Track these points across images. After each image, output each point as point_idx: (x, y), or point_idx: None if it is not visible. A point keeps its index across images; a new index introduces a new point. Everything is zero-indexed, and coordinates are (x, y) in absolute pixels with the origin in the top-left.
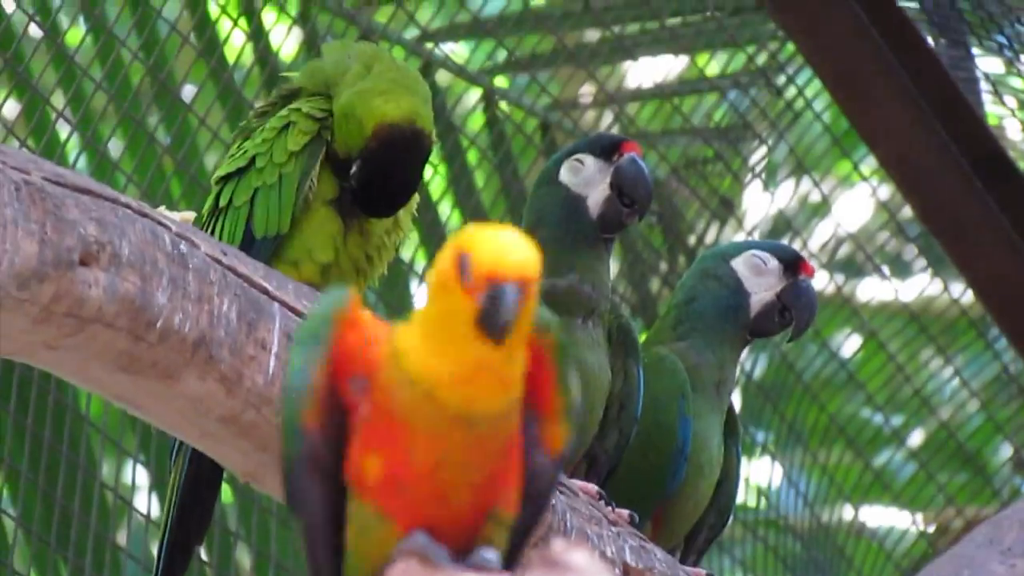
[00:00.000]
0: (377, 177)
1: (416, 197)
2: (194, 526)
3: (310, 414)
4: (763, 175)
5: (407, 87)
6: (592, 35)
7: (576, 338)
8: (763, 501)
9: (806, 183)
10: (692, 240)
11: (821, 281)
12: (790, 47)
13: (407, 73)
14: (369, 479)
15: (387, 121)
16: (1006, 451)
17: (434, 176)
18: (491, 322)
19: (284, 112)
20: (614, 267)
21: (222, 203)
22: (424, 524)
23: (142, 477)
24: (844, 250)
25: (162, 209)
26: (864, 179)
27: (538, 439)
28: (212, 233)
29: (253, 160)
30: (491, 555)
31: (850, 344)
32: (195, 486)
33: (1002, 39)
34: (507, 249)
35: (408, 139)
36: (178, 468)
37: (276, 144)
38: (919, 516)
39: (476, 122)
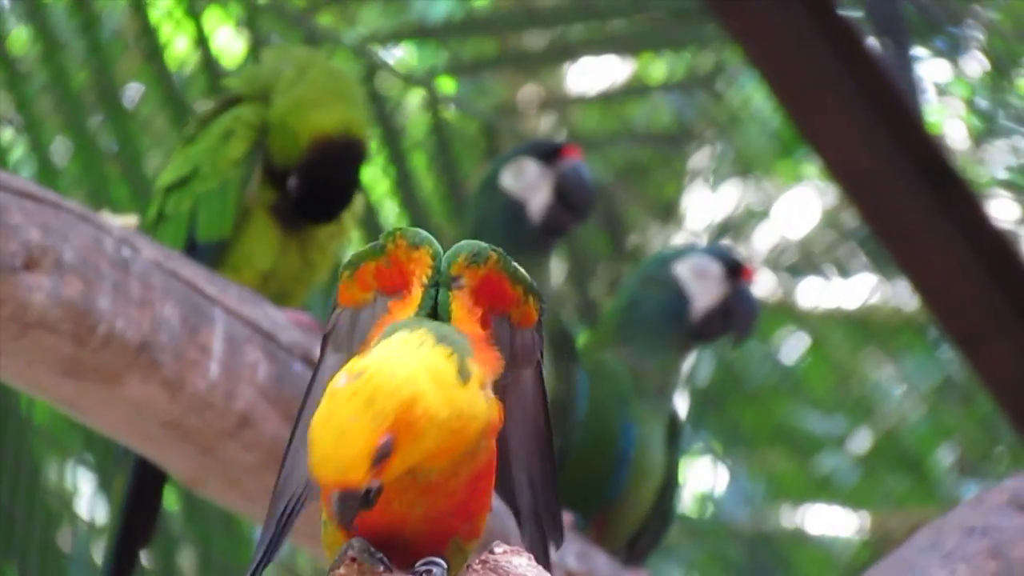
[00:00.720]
0: (315, 187)
1: (360, 199)
2: (140, 531)
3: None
4: (706, 179)
5: (339, 93)
6: (535, 39)
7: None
8: (706, 506)
9: (749, 186)
10: (635, 244)
11: (765, 285)
12: (734, 50)
13: (339, 78)
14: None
15: (322, 133)
16: (950, 455)
17: (378, 179)
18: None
19: (225, 120)
20: (556, 271)
21: (168, 212)
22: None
23: (87, 482)
24: (788, 253)
25: (104, 213)
26: (808, 183)
27: (513, 323)
28: (156, 238)
29: (197, 168)
30: (437, 570)
31: (794, 348)
32: (141, 491)
33: (945, 45)
34: (325, 452)
35: (343, 150)
36: (124, 474)
37: (218, 152)
38: (863, 521)
39: (420, 125)
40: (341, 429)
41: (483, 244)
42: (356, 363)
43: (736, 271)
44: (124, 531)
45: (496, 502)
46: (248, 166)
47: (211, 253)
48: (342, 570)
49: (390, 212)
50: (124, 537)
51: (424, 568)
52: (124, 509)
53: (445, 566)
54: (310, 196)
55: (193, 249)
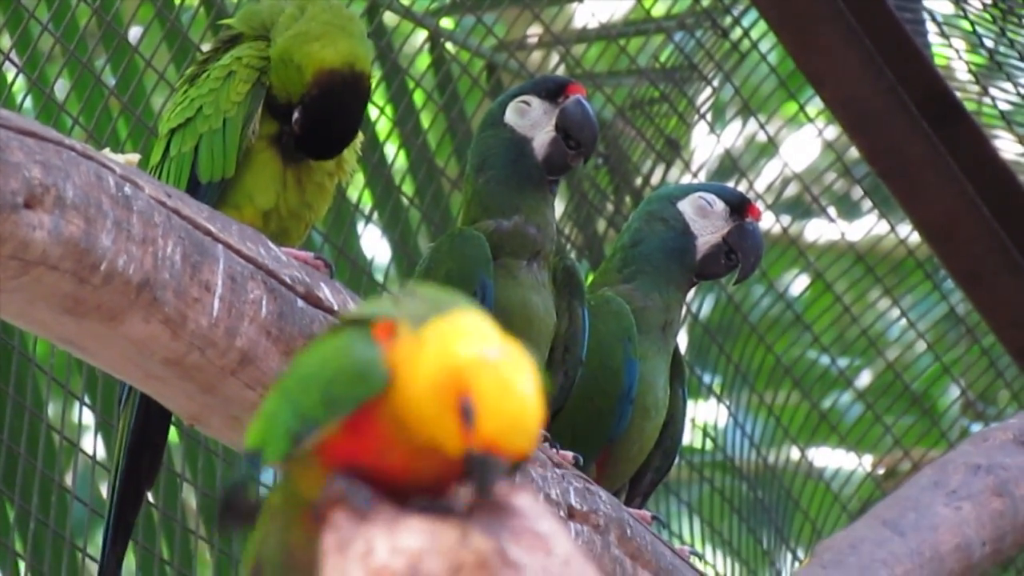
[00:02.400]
0: (319, 122)
1: (361, 136)
2: (145, 470)
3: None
4: (709, 116)
5: (342, 28)
6: None
7: (521, 280)
8: (709, 443)
9: (752, 124)
10: (638, 182)
11: (767, 222)
12: None
13: (341, 13)
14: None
15: (326, 67)
16: (954, 393)
17: (380, 117)
18: (476, 484)
19: (226, 60)
20: (560, 208)
21: (170, 153)
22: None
23: (89, 419)
24: (791, 191)
25: (107, 151)
26: (810, 120)
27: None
28: (159, 180)
29: (200, 109)
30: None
31: (797, 285)
32: (144, 430)
33: None
34: (515, 424)
35: (348, 83)
36: (127, 413)
37: (220, 93)
38: (867, 458)
39: (422, 63)
40: (524, 395)
41: None
42: (477, 336)
43: (741, 208)
44: (128, 470)
45: None
46: (250, 106)
47: (213, 192)
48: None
49: (391, 150)
50: (128, 476)
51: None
52: (128, 448)
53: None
54: (314, 130)
55: (196, 189)
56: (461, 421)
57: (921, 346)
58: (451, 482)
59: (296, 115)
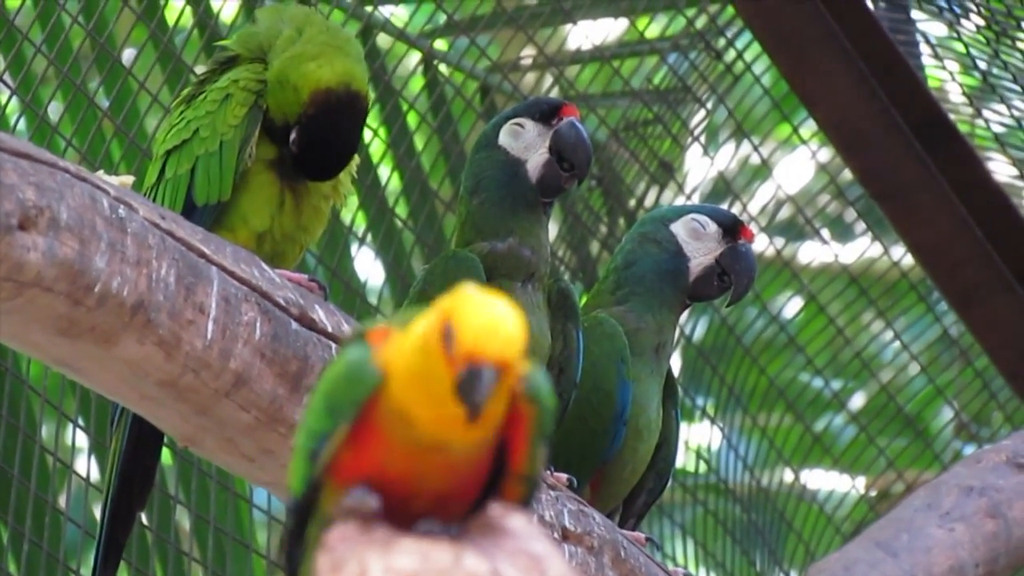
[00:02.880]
0: (317, 142)
1: (356, 159)
2: (136, 491)
3: (323, 472)
4: (703, 138)
5: (339, 48)
6: None
7: (516, 301)
8: (703, 465)
9: (746, 146)
10: (632, 203)
11: (761, 244)
12: (730, 10)
13: (338, 34)
14: (346, 470)
15: (323, 86)
16: (947, 415)
17: (374, 139)
18: (466, 399)
19: (223, 83)
20: (553, 230)
21: (166, 175)
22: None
23: (82, 440)
24: (784, 213)
25: (100, 173)
26: (804, 142)
27: (500, 487)
28: (154, 202)
29: (196, 131)
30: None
31: (790, 307)
32: (136, 452)
33: (943, 2)
34: (491, 329)
35: (345, 103)
36: (119, 434)
37: (216, 115)
38: (860, 480)
39: (416, 85)
40: (500, 313)
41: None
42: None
43: (733, 230)
44: (120, 492)
45: None
46: (247, 129)
47: (209, 215)
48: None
49: (385, 172)
50: (120, 498)
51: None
52: (120, 470)
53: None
54: (311, 150)
55: (191, 211)
56: (444, 348)
57: (914, 368)
58: (458, 493)
59: (293, 135)
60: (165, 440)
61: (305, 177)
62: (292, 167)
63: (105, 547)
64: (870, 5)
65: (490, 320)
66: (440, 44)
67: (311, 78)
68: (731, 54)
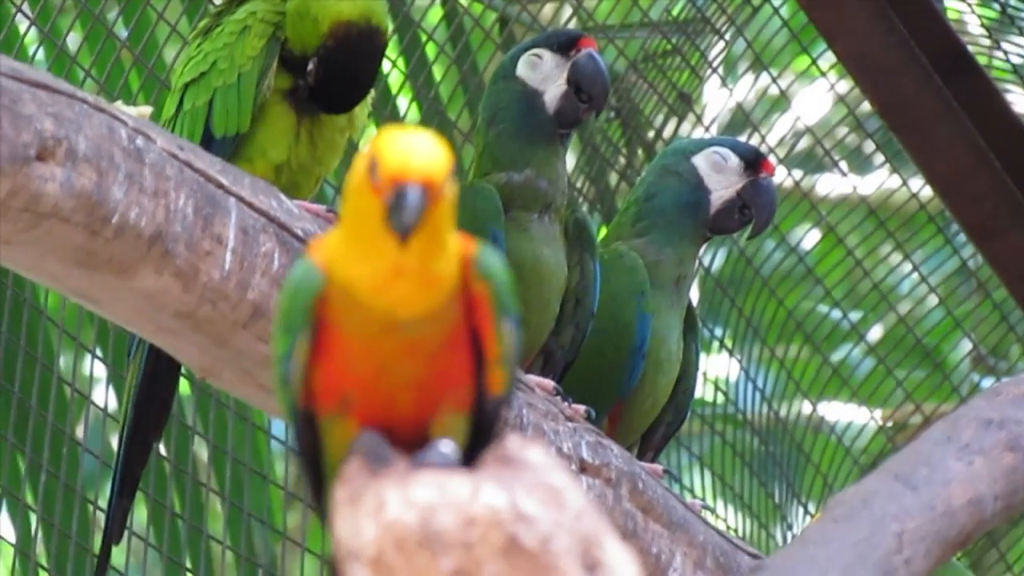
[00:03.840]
0: (335, 75)
1: (372, 92)
2: (152, 422)
3: (303, 393)
4: (721, 70)
5: None
6: None
7: (532, 232)
8: (721, 396)
9: (764, 78)
10: (650, 135)
11: (779, 176)
12: None
13: None
14: (324, 390)
15: (343, 19)
16: (965, 347)
17: (392, 70)
18: (396, 221)
19: (240, 15)
20: (571, 162)
21: (184, 107)
22: (377, 424)
23: (100, 371)
24: (803, 145)
25: (119, 104)
26: (823, 74)
27: (484, 380)
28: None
29: (214, 63)
30: (446, 448)
31: (808, 239)
32: (153, 382)
33: None
34: (413, 151)
35: (364, 37)
36: (136, 365)
37: (234, 47)
38: (877, 412)
39: (434, 16)
40: (416, 137)
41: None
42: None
43: (755, 164)
44: (136, 423)
45: None
46: (264, 61)
47: (227, 147)
48: (353, 466)
49: (403, 103)
50: (136, 429)
51: (435, 455)
52: (136, 400)
53: (454, 447)
54: (329, 83)
55: (209, 143)
56: (371, 182)
57: (932, 300)
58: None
59: (311, 67)
60: (183, 371)
61: (321, 110)
62: (308, 99)
63: (121, 477)
64: None
65: (410, 144)
66: None
67: (332, 10)
68: None
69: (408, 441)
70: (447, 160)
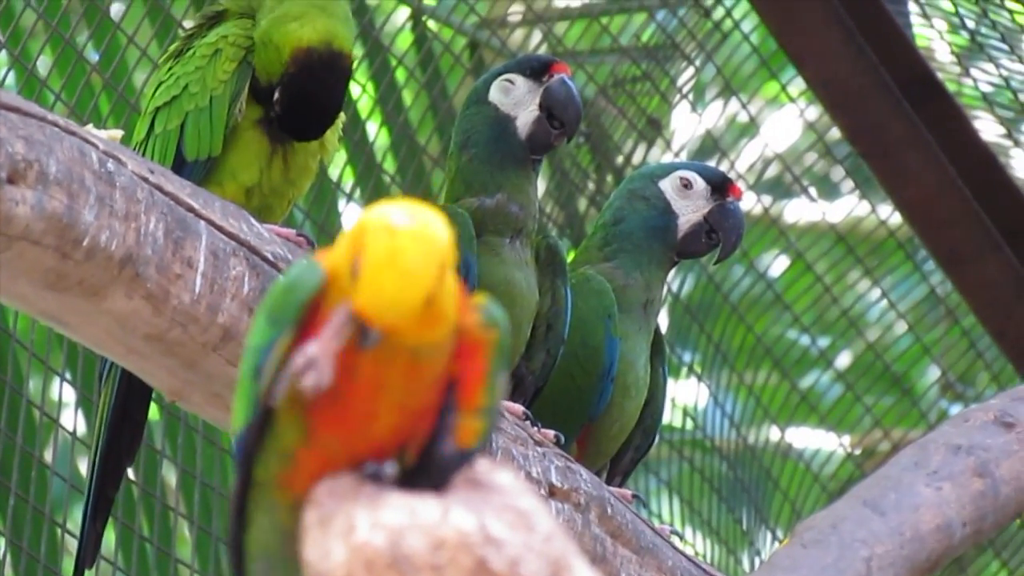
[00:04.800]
0: (299, 102)
1: (342, 116)
2: (125, 446)
3: (267, 391)
4: (691, 96)
5: (322, 8)
6: None
7: (504, 257)
8: (689, 422)
9: (734, 104)
10: (620, 160)
11: (748, 202)
12: None
13: None
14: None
15: (303, 46)
16: (933, 373)
17: (362, 95)
18: (362, 340)
19: (212, 38)
20: (541, 186)
21: (156, 130)
22: (335, 433)
23: (69, 394)
24: (772, 171)
25: (90, 127)
26: (792, 100)
27: (452, 428)
28: (143, 156)
29: (186, 87)
30: (390, 468)
31: (777, 265)
32: (125, 406)
33: None
34: (388, 294)
35: (326, 62)
36: (108, 387)
37: (206, 71)
38: (846, 438)
39: (404, 41)
40: (407, 270)
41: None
42: (398, 204)
43: (722, 188)
44: (109, 446)
45: None
46: (236, 84)
47: (199, 170)
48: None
49: (373, 128)
50: (109, 452)
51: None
52: (110, 423)
53: (395, 467)
54: (295, 110)
55: (181, 167)
56: (352, 280)
57: (901, 327)
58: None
59: (276, 95)
60: (153, 394)
61: (290, 137)
62: (278, 127)
63: (94, 502)
64: None
65: (389, 284)
66: (429, 0)
67: (292, 37)
68: (719, 11)
69: (356, 459)
70: (425, 296)
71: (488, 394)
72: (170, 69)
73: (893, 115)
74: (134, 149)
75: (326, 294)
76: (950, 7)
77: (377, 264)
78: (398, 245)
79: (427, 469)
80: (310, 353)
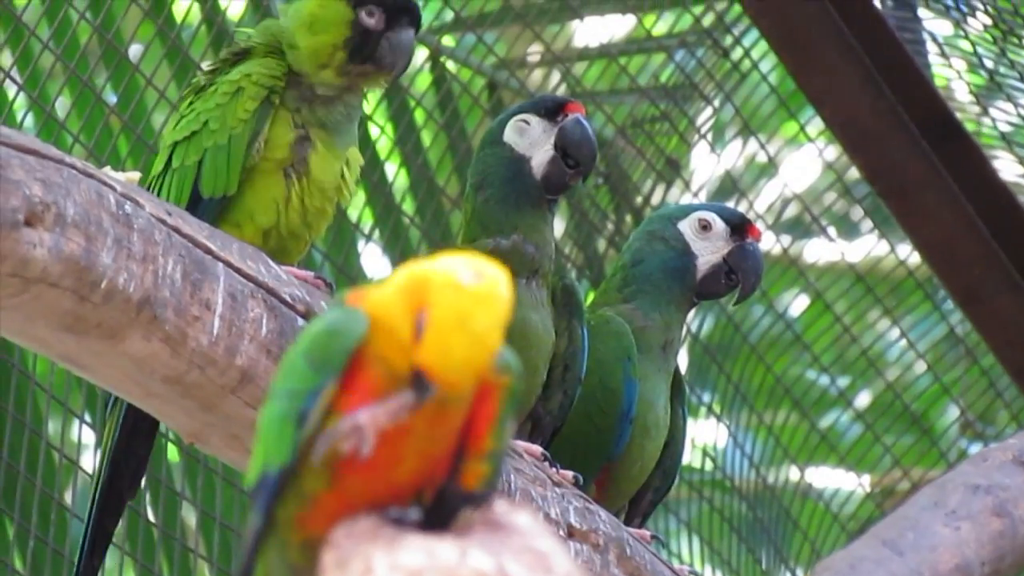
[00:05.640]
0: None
1: (359, 158)
2: (128, 480)
3: (310, 437)
4: (710, 136)
5: None
6: None
7: (520, 298)
8: (709, 462)
9: (752, 144)
10: (639, 200)
11: (768, 242)
12: (737, 7)
13: None
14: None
15: None
16: (953, 413)
17: (381, 135)
18: (416, 392)
19: (235, 76)
20: (560, 227)
21: (174, 164)
22: (363, 481)
23: (88, 436)
24: (791, 211)
25: (107, 169)
26: (810, 140)
27: (458, 471)
28: (160, 192)
29: (206, 123)
30: (414, 514)
31: (797, 305)
32: (131, 439)
33: (950, 1)
34: (457, 355)
35: None
36: (113, 421)
37: (227, 108)
38: (865, 477)
39: (423, 81)
40: (476, 332)
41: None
42: (463, 261)
43: (741, 229)
44: (111, 480)
45: None
46: (256, 124)
47: (214, 207)
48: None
49: (392, 169)
50: (111, 486)
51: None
52: (112, 457)
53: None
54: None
55: (196, 203)
56: (413, 334)
57: (920, 366)
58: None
59: (370, 15)
60: (171, 437)
61: (379, 66)
62: (364, 59)
63: (92, 535)
64: (877, 3)
65: (459, 346)
66: (447, 40)
67: None
68: (738, 52)
69: (377, 502)
70: (489, 358)
71: (496, 438)
72: (191, 104)
73: (911, 155)
74: (151, 182)
75: (369, 342)
76: (968, 47)
77: (446, 325)
78: (467, 306)
79: (434, 511)
80: (360, 421)
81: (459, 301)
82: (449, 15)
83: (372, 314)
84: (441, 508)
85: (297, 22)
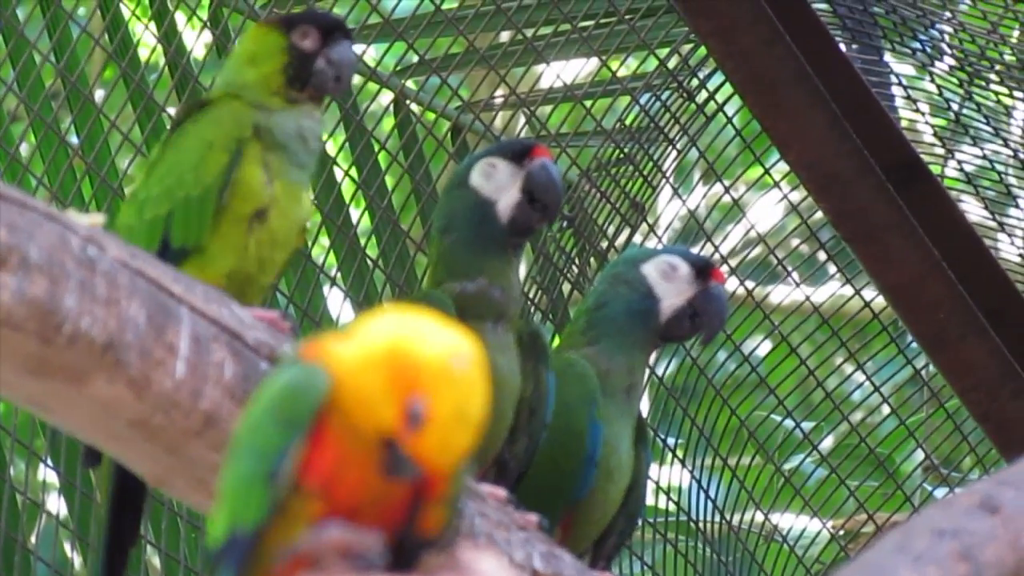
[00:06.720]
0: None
1: (311, 209)
2: (127, 530)
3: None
4: (674, 179)
5: None
6: (504, 37)
7: (486, 342)
8: (672, 505)
9: (717, 187)
10: (603, 244)
11: (732, 284)
12: (702, 50)
13: None
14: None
15: None
16: (918, 456)
17: (344, 178)
18: (389, 469)
19: (204, 127)
20: (523, 270)
21: (146, 216)
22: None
23: (52, 478)
24: (755, 253)
25: (71, 212)
26: (776, 183)
27: (415, 517)
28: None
29: (178, 176)
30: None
31: (761, 348)
32: (124, 490)
33: (916, 44)
34: (452, 446)
35: None
36: (106, 471)
37: (200, 163)
38: (830, 521)
39: (387, 125)
40: (471, 420)
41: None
42: (444, 338)
43: (705, 272)
44: (113, 531)
45: None
46: (227, 176)
47: (182, 256)
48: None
49: (356, 212)
50: (113, 536)
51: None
52: (112, 510)
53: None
54: None
55: (164, 252)
56: (406, 419)
57: (885, 410)
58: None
59: (304, 35)
60: None
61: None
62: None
63: None
64: (842, 47)
65: (456, 438)
66: (411, 83)
67: None
68: (703, 95)
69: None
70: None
71: (454, 484)
72: (162, 155)
73: (877, 199)
74: (121, 234)
75: (332, 401)
76: (934, 89)
77: (449, 420)
78: (464, 396)
79: (395, 556)
80: (336, 538)
81: (458, 393)
82: (413, 58)
83: (337, 374)
84: (401, 553)
85: (240, 61)
